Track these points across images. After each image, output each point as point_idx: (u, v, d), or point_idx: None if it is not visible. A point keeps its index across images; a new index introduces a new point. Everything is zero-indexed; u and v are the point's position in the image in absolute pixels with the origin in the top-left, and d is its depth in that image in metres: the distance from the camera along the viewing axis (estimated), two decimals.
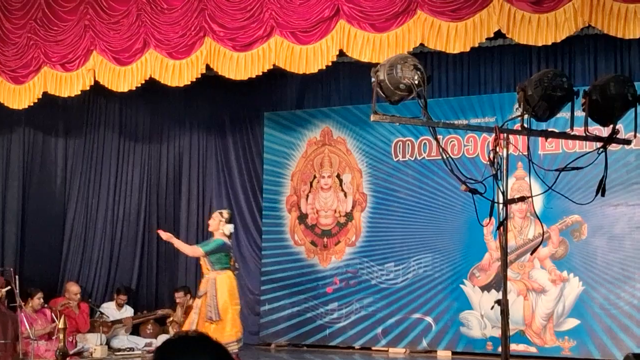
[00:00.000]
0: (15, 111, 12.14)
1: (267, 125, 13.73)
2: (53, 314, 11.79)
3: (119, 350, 12.49)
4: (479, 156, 11.81)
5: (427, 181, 12.34)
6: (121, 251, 13.97)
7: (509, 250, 11.36)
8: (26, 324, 11.12)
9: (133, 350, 12.53)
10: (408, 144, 12.56)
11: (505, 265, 5.67)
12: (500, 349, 5.77)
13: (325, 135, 13.28)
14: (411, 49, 9.39)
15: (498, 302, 5.62)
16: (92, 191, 13.94)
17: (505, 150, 5.54)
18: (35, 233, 13.37)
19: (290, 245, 13.41)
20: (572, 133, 6.05)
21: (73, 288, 12.68)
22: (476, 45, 9.35)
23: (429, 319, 12.13)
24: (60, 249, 13.83)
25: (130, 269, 13.96)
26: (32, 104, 11.78)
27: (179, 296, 12.92)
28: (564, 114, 6.01)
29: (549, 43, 8.99)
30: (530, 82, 5.67)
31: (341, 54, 10.01)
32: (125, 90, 11.26)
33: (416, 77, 5.35)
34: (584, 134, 5.94)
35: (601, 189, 5.89)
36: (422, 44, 9.52)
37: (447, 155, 5.60)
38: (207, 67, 10.73)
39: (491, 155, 5.53)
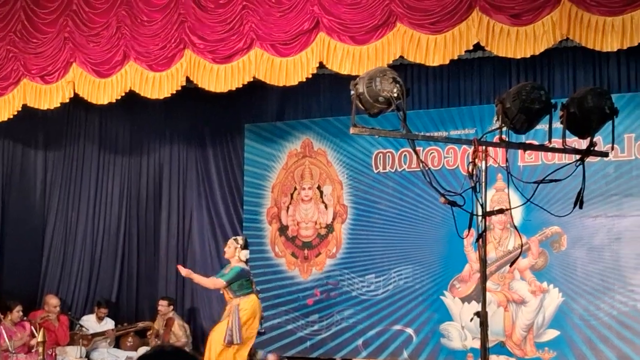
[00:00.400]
0: None
1: (247, 137, 13.72)
2: (32, 327, 11.73)
3: None
4: (459, 168, 11.84)
5: (407, 193, 12.36)
6: (101, 263, 13.90)
7: (489, 262, 11.39)
8: (5, 337, 11.07)
9: None
10: (388, 155, 12.58)
11: (484, 277, 5.69)
12: None
13: (305, 147, 13.29)
14: (391, 62, 9.40)
15: (477, 314, 5.64)
16: (71, 203, 13.88)
17: (484, 162, 5.56)
18: (14, 245, 13.28)
19: (271, 257, 13.40)
20: (551, 145, 6.08)
21: (52, 301, 12.61)
22: (455, 57, 9.38)
23: (409, 331, 12.14)
24: (39, 262, 13.75)
25: (111, 282, 13.90)
26: (11, 117, 11.72)
27: (163, 304, 12.87)
28: (543, 126, 6.04)
29: (528, 55, 9.03)
30: (509, 94, 5.71)
31: (321, 66, 10.02)
32: (105, 102, 11.22)
33: (395, 90, 5.37)
34: (562, 147, 5.98)
35: (579, 201, 5.92)
36: (401, 57, 9.54)
37: (426, 168, 5.62)
38: (187, 79, 10.71)
39: (470, 168, 5.56)
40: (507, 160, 6.12)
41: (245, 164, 13.69)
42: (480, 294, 5.70)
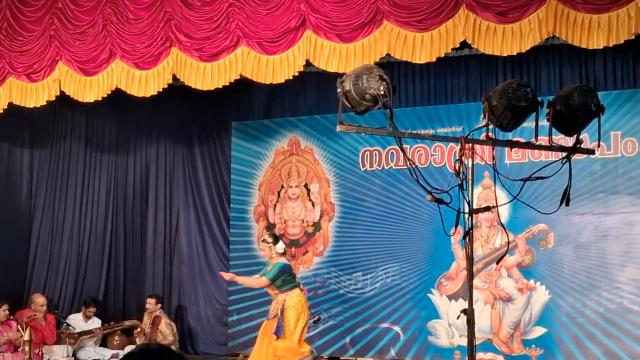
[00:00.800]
0: None
1: (234, 135, 13.71)
2: (19, 326, 11.69)
3: None
4: (446, 165, 11.85)
5: (394, 190, 12.36)
6: (88, 262, 13.87)
7: (476, 259, 11.44)
8: None
9: None
10: (375, 153, 12.58)
11: (471, 274, 5.69)
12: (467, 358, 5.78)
13: (292, 145, 13.28)
14: (377, 59, 9.41)
15: (464, 311, 5.65)
16: (58, 202, 13.85)
17: (470, 160, 5.57)
18: (0, 244, 13.25)
19: (258, 255, 13.36)
20: (537, 143, 6.09)
21: (39, 299, 12.57)
22: (442, 55, 9.38)
23: (397, 328, 12.14)
24: (26, 260, 13.72)
25: (98, 280, 13.87)
26: None
27: (150, 302, 12.85)
28: (529, 124, 6.04)
29: (514, 53, 9.05)
30: (495, 92, 5.71)
31: (308, 64, 10.02)
32: (92, 100, 11.20)
33: (382, 88, 5.37)
34: (549, 144, 5.99)
35: (565, 198, 5.93)
36: (388, 54, 9.55)
37: (413, 165, 5.62)
38: (174, 77, 10.70)
39: (457, 165, 5.56)
40: (493, 158, 6.12)
41: (232, 162, 13.68)
42: (467, 291, 5.71)
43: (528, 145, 6.81)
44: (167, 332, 12.61)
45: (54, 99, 11.46)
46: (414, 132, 11.42)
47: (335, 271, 12.69)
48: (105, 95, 11.12)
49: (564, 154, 5.96)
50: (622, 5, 8.36)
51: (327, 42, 9.67)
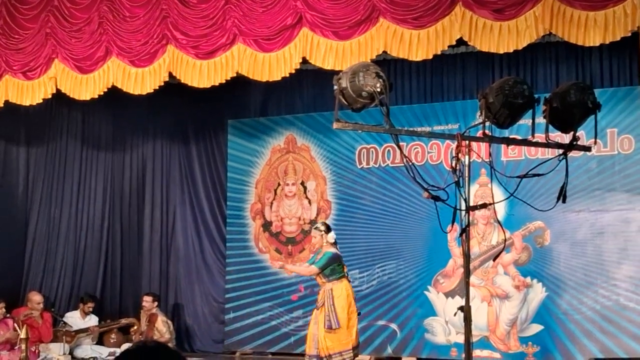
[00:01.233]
0: None
1: (230, 132, 13.70)
2: (15, 324, 11.68)
3: (83, 359, 12.41)
4: (443, 163, 11.85)
5: (391, 188, 12.36)
6: (85, 260, 13.87)
7: (472, 257, 11.43)
8: None
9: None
10: (372, 151, 12.58)
11: (467, 271, 5.70)
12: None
13: (289, 143, 13.27)
14: (374, 57, 9.41)
15: (461, 308, 5.65)
16: (54, 200, 13.85)
17: (467, 157, 5.57)
18: None
19: (255, 253, 13.38)
20: (534, 140, 6.10)
21: (35, 297, 12.55)
22: (439, 52, 9.40)
23: (393, 326, 12.14)
24: (22, 258, 13.71)
25: (94, 278, 13.86)
26: None
27: (147, 300, 12.82)
28: (526, 121, 6.05)
29: (511, 50, 9.06)
30: (492, 89, 5.72)
31: (304, 61, 10.02)
32: (88, 98, 11.20)
33: (378, 85, 5.38)
34: (545, 141, 5.99)
35: (562, 195, 5.94)
36: (385, 52, 9.55)
37: (410, 163, 5.62)
38: (170, 75, 10.70)
39: (453, 163, 5.57)
40: (490, 155, 6.12)
41: (229, 160, 13.67)
42: (464, 288, 5.71)
43: (524, 142, 6.82)
44: (163, 330, 12.59)
45: (50, 96, 11.47)
46: (411, 129, 11.44)
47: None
48: (102, 93, 11.12)
49: (561, 151, 5.97)
50: (618, 2, 8.37)
51: (323, 40, 9.67)
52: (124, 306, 13.92)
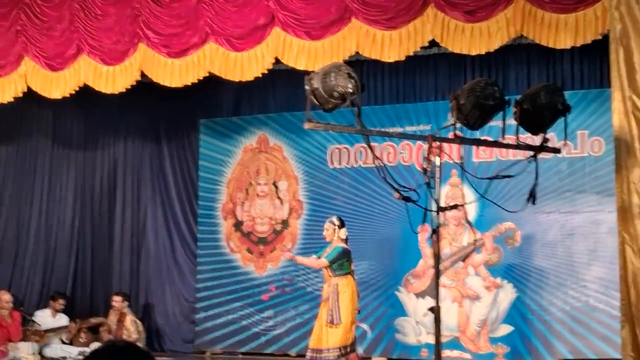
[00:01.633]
0: None
1: (202, 132, 13.66)
2: None
3: (52, 359, 12.33)
4: (415, 164, 11.87)
5: (362, 188, 12.37)
6: (55, 259, 13.80)
7: (443, 257, 11.47)
8: None
9: (66, 359, 12.38)
10: (344, 151, 12.59)
11: (437, 272, 5.71)
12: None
13: (261, 143, 13.26)
14: (347, 57, 9.42)
15: (431, 309, 5.67)
16: (24, 198, 13.76)
17: (438, 158, 5.58)
18: None
19: (226, 252, 13.35)
20: (505, 142, 6.13)
21: (4, 297, 12.46)
22: (411, 53, 9.42)
23: (364, 326, 12.13)
24: None
25: (65, 277, 13.78)
26: None
27: (117, 300, 12.77)
28: (497, 123, 6.07)
29: (482, 52, 9.10)
30: (463, 91, 5.74)
31: (277, 61, 10.01)
32: (59, 96, 11.15)
33: (350, 85, 5.38)
34: (516, 143, 6.02)
35: (532, 197, 5.97)
36: (357, 52, 9.56)
37: (381, 163, 5.63)
38: (142, 74, 10.66)
39: (424, 164, 5.58)
40: (461, 157, 6.15)
41: (201, 160, 13.63)
42: (435, 289, 5.73)
43: (495, 144, 6.85)
44: (132, 330, 12.53)
45: (20, 95, 11.38)
46: (382, 130, 11.46)
47: (303, 269, 12.66)
48: (73, 92, 11.06)
49: (531, 153, 6.00)
50: (588, 5, 8.42)
51: (296, 40, 9.67)
52: (95, 305, 13.85)
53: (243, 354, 12.91)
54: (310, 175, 12.85)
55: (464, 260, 11.20)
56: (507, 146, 6.48)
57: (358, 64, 11.23)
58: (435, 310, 5.61)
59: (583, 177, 11.26)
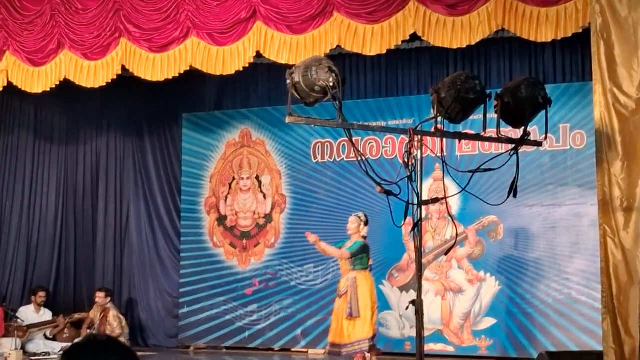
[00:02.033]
0: None
1: (185, 126, 13.64)
2: None
3: (35, 355, 12.29)
4: (397, 157, 11.87)
5: (346, 182, 12.38)
6: (38, 254, 13.76)
7: (426, 251, 11.50)
8: None
9: (49, 355, 12.33)
10: (327, 145, 12.60)
11: (420, 266, 5.72)
12: None
13: (244, 137, 13.25)
14: (328, 51, 9.42)
15: (413, 302, 5.67)
16: (6, 193, 13.70)
17: (419, 152, 5.58)
18: None
19: (209, 247, 13.34)
20: (486, 135, 6.13)
21: None
22: (393, 47, 9.42)
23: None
24: None
25: (48, 272, 13.75)
26: None
27: (100, 296, 12.74)
28: (479, 116, 6.08)
29: (464, 46, 9.10)
30: (444, 84, 5.74)
31: (259, 55, 10.00)
32: (40, 91, 11.10)
33: (331, 79, 5.37)
34: (497, 136, 6.03)
35: (513, 190, 5.98)
36: (339, 46, 9.56)
37: (363, 157, 5.63)
38: (124, 68, 10.63)
39: (406, 157, 5.58)
40: (443, 150, 6.15)
41: (183, 154, 13.61)
42: (417, 282, 5.73)
43: (477, 137, 6.85)
44: (114, 325, 12.49)
45: (1, 89, 11.33)
46: (364, 124, 11.45)
47: (287, 263, 12.69)
48: (54, 86, 11.02)
49: (513, 146, 6.01)
50: None
51: (277, 34, 9.66)
52: (78, 300, 13.84)
53: (227, 348, 12.91)
54: (293, 169, 12.85)
55: (446, 254, 11.22)
56: (489, 140, 6.48)
57: (340, 58, 11.26)
58: (417, 304, 5.61)
59: (565, 171, 11.30)
